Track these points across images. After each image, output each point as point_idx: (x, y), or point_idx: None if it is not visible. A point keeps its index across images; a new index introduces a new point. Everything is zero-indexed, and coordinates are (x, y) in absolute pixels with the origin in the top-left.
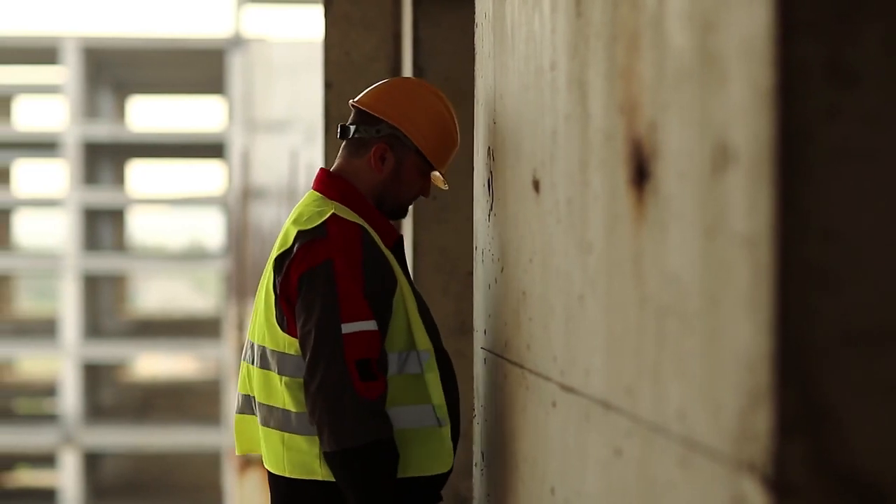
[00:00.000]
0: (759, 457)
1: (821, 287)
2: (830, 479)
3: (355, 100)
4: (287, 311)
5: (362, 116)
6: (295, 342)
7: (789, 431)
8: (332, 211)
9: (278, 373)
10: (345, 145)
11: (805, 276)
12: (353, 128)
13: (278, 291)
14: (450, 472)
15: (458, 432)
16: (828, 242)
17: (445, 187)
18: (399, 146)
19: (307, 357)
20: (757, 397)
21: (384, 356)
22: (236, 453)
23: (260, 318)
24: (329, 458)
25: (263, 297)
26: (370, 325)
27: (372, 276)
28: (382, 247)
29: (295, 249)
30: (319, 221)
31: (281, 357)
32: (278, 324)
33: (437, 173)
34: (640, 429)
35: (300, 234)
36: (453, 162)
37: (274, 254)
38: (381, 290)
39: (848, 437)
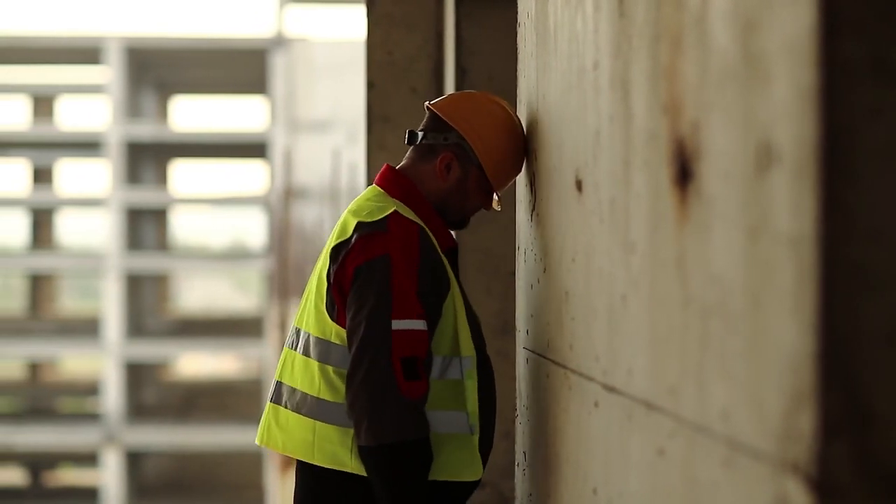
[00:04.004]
0: (802, 457)
1: (865, 287)
2: (874, 479)
3: (432, 102)
4: (338, 301)
5: (434, 122)
6: (342, 332)
7: (833, 432)
8: (393, 208)
9: (321, 361)
10: (412, 149)
11: (849, 276)
12: (421, 134)
13: (332, 280)
14: (477, 483)
15: (490, 442)
16: (872, 242)
17: (498, 209)
18: (465, 158)
19: (353, 349)
20: (801, 398)
21: (430, 357)
22: (256, 441)
23: (309, 306)
24: (364, 452)
25: (315, 284)
26: (420, 324)
27: (426, 278)
28: (439, 250)
29: (353, 240)
30: (381, 216)
31: (326, 346)
32: (327, 312)
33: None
34: (683, 429)
35: (360, 225)
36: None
37: (331, 243)
38: (433, 293)
39: (892, 437)
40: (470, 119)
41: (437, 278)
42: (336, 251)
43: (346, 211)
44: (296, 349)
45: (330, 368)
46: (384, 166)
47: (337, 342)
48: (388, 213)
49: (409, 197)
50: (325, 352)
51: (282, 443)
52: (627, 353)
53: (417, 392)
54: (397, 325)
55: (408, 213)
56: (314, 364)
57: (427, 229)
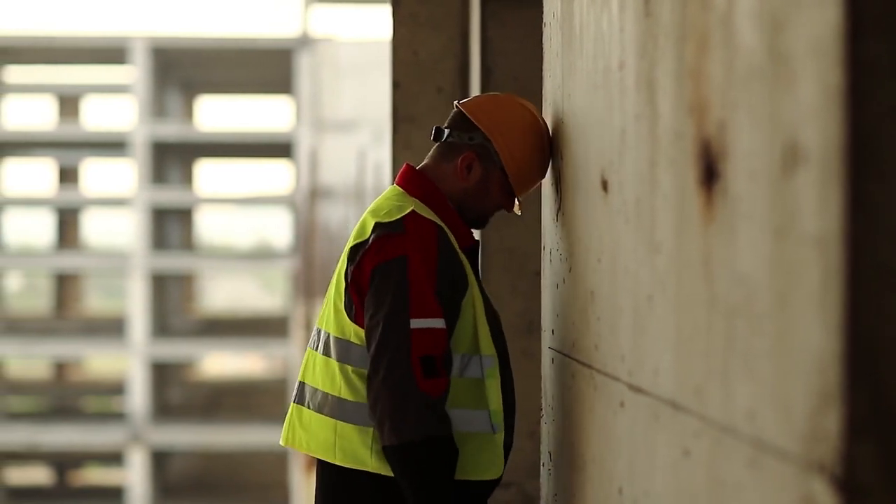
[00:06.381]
0: (828, 458)
1: (892, 287)
2: None
3: (461, 101)
4: (356, 301)
5: (460, 121)
6: (360, 331)
7: (859, 432)
8: (411, 207)
9: (340, 361)
10: (437, 146)
11: (876, 277)
12: (447, 131)
13: (349, 280)
14: (498, 480)
15: (510, 440)
16: None
17: (519, 213)
18: (488, 159)
19: (372, 349)
20: (827, 398)
21: (449, 355)
22: (280, 442)
23: (329, 306)
24: (388, 452)
25: (335, 284)
26: (438, 322)
27: (444, 276)
28: (458, 249)
29: (371, 241)
30: (398, 216)
31: (345, 345)
32: (346, 312)
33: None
34: (709, 429)
35: (378, 225)
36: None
37: (350, 243)
38: (451, 292)
39: None
40: (496, 121)
41: (455, 277)
42: (354, 251)
43: (366, 211)
44: (317, 349)
45: (349, 368)
46: (404, 166)
47: (356, 342)
48: (406, 212)
49: (429, 196)
50: (344, 351)
51: (305, 443)
52: (653, 353)
53: (438, 389)
54: (415, 323)
55: (426, 213)
56: (334, 364)
57: (446, 228)
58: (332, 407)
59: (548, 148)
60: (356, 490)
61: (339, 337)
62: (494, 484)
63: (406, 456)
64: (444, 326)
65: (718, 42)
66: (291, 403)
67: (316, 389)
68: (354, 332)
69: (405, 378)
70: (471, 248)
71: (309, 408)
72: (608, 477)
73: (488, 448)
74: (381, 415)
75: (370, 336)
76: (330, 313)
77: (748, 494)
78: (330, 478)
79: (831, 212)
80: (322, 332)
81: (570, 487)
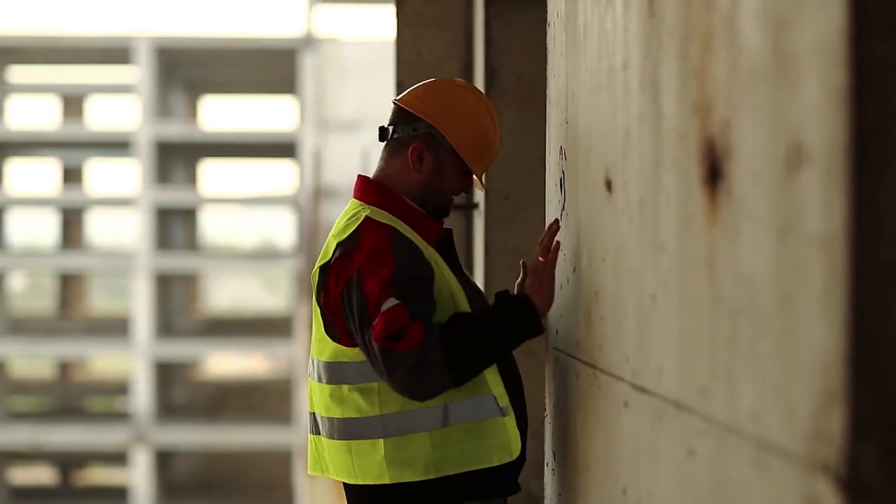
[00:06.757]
0: (832, 458)
1: (895, 287)
2: None
3: (397, 97)
4: (334, 321)
5: (401, 116)
6: (347, 350)
7: (864, 432)
8: (365, 214)
9: (335, 383)
10: (385, 147)
11: (880, 276)
12: (391, 128)
13: (322, 305)
14: (520, 460)
15: (525, 422)
16: None
17: (482, 190)
18: (437, 146)
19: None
20: (831, 398)
21: (423, 306)
22: (309, 472)
23: (315, 333)
24: (460, 381)
25: (314, 311)
26: (389, 303)
27: (403, 263)
28: (421, 243)
29: (332, 263)
30: (353, 229)
31: (336, 367)
32: (328, 335)
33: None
34: (713, 429)
35: (338, 245)
36: (493, 164)
37: (316, 265)
38: (414, 277)
39: None
40: (435, 106)
41: (417, 272)
42: (321, 275)
43: (330, 232)
44: (315, 378)
45: (345, 387)
46: (357, 177)
47: (345, 360)
48: (360, 221)
49: (384, 199)
50: (336, 373)
51: (331, 469)
52: (657, 353)
53: (415, 339)
54: (377, 323)
55: (381, 217)
56: (327, 388)
57: (405, 228)
58: (341, 429)
59: (492, 117)
60: (383, 502)
61: (329, 361)
62: (514, 466)
63: (457, 372)
64: (397, 302)
65: (722, 42)
66: (309, 435)
67: (323, 417)
68: (342, 353)
69: (407, 373)
70: (441, 239)
71: (323, 436)
72: (612, 477)
73: (499, 432)
74: (432, 393)
75: (367, 356)
76: (315, 340)
77: (752, 494)
78: (357, 498)
79: (835, 212)
80: (314, 361)
81: (574, 487)
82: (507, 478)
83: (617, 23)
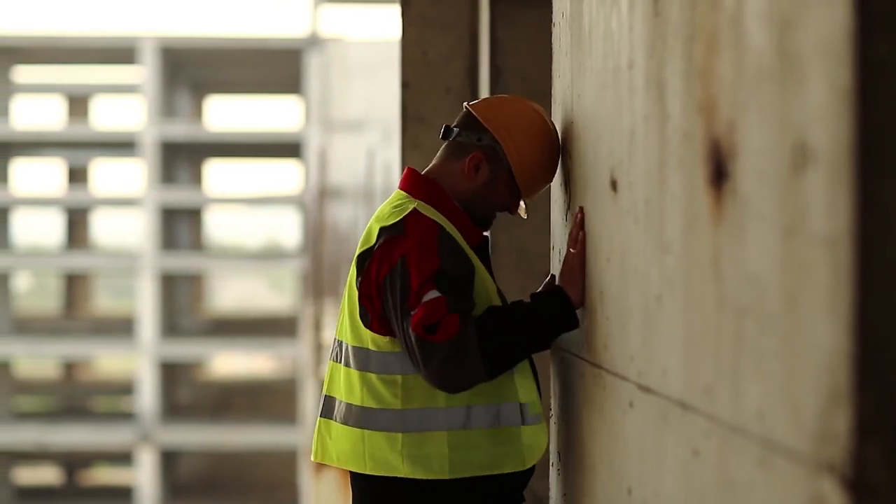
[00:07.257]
0: (838, 457)
1: None
2: None
3: (471, 102)
4: (369, 309)
5: (469, 122)
6: (378, 339)
7: (869, 432)
8: (413, 206)
9: (361, 370)
10: (445, 145)
11: (885, 276)
12: (456, 130)
13: (360, 290)
14: (530, 471)
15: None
16: None
17: (524, 216)
18: (496, 161)
19: (409, 355)
20: (836, 398)
21: (463, 302)
22: (312, 459)
23: (345, 316)
24: (494, 373)
25: (348, 294)
26: (431, 294)
27: (448, 259)
28: (463, 244)
29: (375, 248)
30: (399, 218)
31: (364, 354)
32: (361, 320)
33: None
34: (718, 429)
35: (381, 230)
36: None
37: (358, 251)
38: (458, 274)
39: None
40: (506, 123)
41: (459, 261)
42: (361, 260)
43: (372, 217)
44: (339, 361)
45: (372, 376)
46: (406, 169)
47: (374, 349)
48: (408, 212)
49: (432, 196)
50: (364, 360)
51: (335, 456)
52: (662, 353)
53: (451, 331)
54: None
55: (429, 212)
56: (355, 374)
57: (450, 226)
58: (358, 417)
59: (557, 152)
60: (390, 498)
61: (358, 346)
62: (529, 474)
63: (493, 362)
64: (439, 295)
65: (727, 42)
66: (318, 418)
67: (341, 401)
68: (372, 340)
69: (443, 360)
70: (480, 245)
71: (336, 420)
72: (617, 477)
73: (517, 440)
74: (474, 380)
75: (403, 345)
76: (346, 324)
77: (758, 494)
78: (363, 489)
79: (840, 211)
80: (341, 343)
81: (580, 488)
82: (516, 486)
83: (622, 23)
